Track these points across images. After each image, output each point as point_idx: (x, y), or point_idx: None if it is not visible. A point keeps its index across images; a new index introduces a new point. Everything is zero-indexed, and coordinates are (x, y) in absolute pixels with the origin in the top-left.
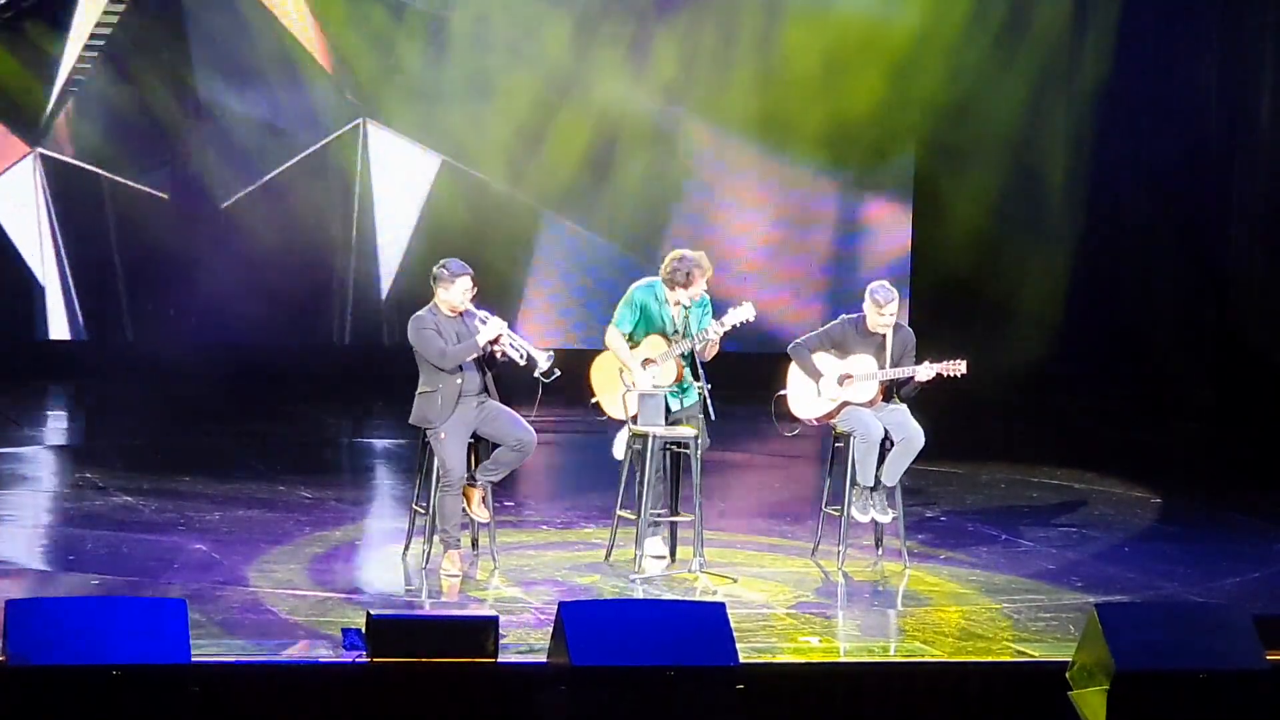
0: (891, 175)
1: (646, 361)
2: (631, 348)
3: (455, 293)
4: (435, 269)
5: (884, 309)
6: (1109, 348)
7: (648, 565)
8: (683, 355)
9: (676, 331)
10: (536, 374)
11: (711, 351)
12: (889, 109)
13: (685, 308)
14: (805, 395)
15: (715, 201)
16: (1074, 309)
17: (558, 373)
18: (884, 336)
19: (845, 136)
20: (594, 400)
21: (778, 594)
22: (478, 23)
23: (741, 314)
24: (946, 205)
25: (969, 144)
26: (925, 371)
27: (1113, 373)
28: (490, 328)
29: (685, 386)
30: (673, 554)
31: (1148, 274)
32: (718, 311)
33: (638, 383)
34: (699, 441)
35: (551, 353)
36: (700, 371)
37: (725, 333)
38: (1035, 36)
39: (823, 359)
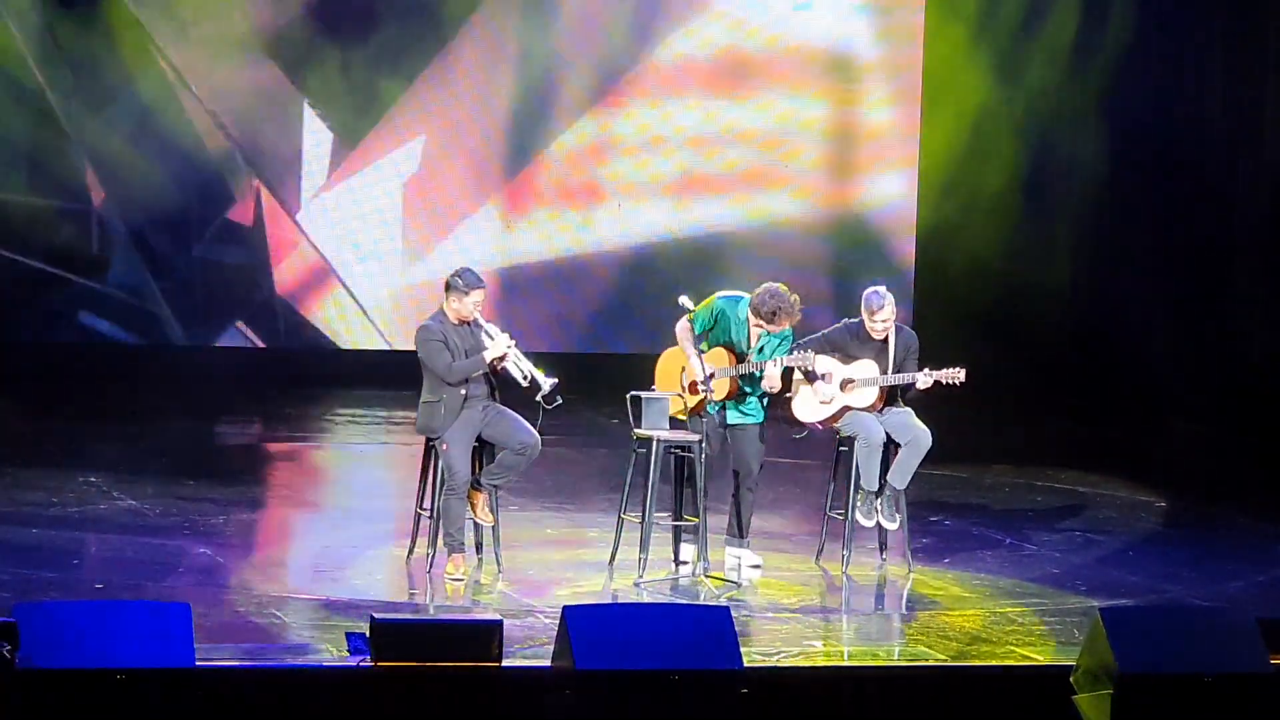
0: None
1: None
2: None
3: (467, 304)
4: (450, 277)
5: (875, 316)
6: (1112, 350)
7: (681, 570)
8: (742, 377)
9: (747, 352)
10: (539, 398)
11: (771, 385)
12: None
13: (765, 333)
14: (807, 399)
15: None
16: (1078, 310)
17: (559, 400)
18: (886, 340)
19: None
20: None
21: (781, 598)
22: None
23: (801, 360)
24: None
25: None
26: (924, 379)
27: (1116, 374)
28: (496, 345)
29: (739, 406)
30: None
31: (1151, 277)
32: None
33: (695, 370)
34: (703, 446)
35: (556, 381)
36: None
37: (781, 372)
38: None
39: (826, 362)
